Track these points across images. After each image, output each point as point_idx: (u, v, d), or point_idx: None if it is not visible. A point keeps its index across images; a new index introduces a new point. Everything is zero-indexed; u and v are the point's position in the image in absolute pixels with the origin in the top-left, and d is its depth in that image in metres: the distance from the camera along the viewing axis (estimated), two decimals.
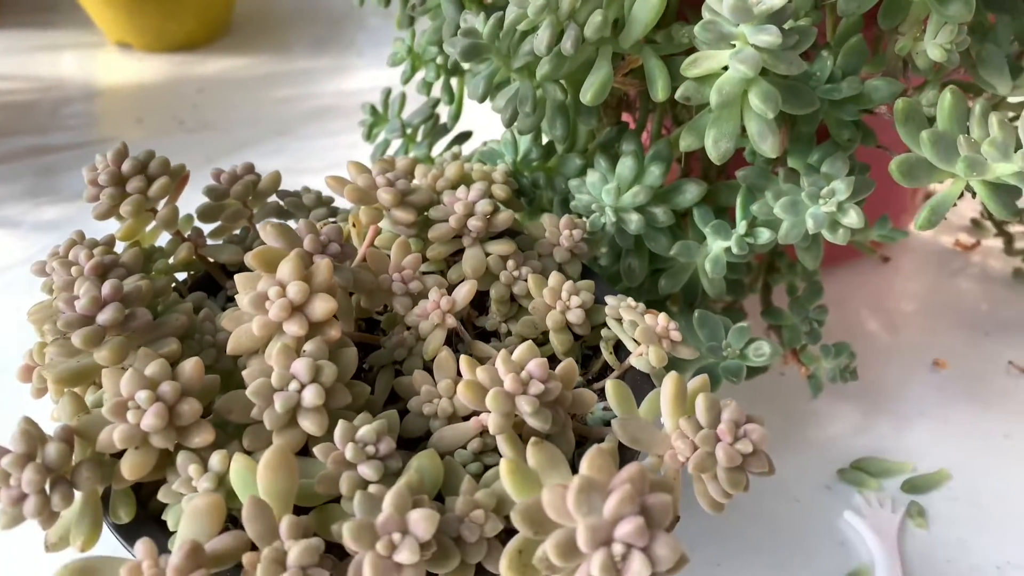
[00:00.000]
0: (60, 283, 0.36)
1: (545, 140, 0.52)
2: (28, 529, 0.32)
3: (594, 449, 0.28)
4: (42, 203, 0.77)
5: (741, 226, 0.44)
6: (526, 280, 0.42)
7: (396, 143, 0.61)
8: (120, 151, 0.42)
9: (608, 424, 0.38)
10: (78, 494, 0.31)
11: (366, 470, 0.31)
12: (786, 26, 0.36)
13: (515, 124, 0.45)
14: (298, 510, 0.30)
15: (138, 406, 0.31)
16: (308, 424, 0.32)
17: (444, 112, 0.60)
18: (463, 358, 0.35)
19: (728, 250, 0.44)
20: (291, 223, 0.42)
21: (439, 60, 0.56)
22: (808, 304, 0.52)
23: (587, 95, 0.40)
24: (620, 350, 0.41)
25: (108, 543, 0.32)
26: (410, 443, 0.36)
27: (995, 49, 0.42)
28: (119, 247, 0.42)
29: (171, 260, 0.44)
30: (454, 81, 0.58)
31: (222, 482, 0.31)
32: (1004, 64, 0.43)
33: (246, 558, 0.28)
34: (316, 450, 0.32)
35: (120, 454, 0.32)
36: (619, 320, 0.40)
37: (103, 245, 0.40)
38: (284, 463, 0.29)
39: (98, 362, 0.33)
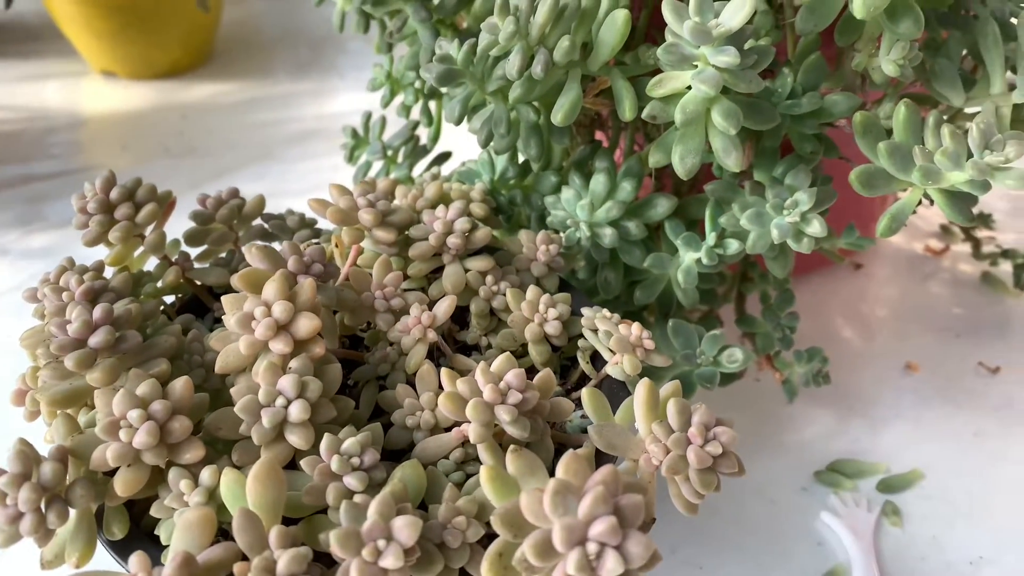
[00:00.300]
0: (52, 308, 0.38)
1: (521, 159, 0.53)
2: (24, 548, 0.33)
3: (569, 454, 0.29)
4: (31, 231, 0.78)
5: (710, 238, 0.45)
6: (505, 294, 0.43)
7: (377, 165, 0.63)
8: (108, 179, 0.44)
9: (586, 431, 0.39)
10: (72, 512, 0.32)
11: (351, 481, 0.32)
12: (746, 46, 0.38)
13: (491, 144, 0.47)
14: (286, 521, 0.31)
15: (130, 425, 0.32)
16: (295, 438, 0.33)
17: (423, 134, 0.61)
18: (444, 371, 0.36)
19: (699, 261, 0.46)
20: (275, 245, 0.44)
21: (417, 84, 0.58)
22: (780, 311, 0.54)
23: (558, 116, 0.42)
24: (597, 360, 0.43)
25: (102, 560, 0.33)
26: (394, 455, 0.37)
27: (948, 63, 0.44)
28: (108, 272, 0.43)
29: (159, 284, 0.45)
30: (432, 104, 0.59)
31: (212, 496, 0.32)
32: (957, 77, 0.44)
33: (237, 568, 0.29)
34: (303, 463, 0.33)
35: (113, 472, 0.33)
36: (595, 331, 0.42)
37: (93, 271, 0.41)
38: (272, 475, 0.31)
39: (90, 384, 0.34)
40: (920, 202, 0.43)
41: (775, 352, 0.56)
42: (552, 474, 0.34)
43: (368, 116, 0.63)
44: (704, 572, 0.49)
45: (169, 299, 0.47)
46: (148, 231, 0.44)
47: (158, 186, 0.45)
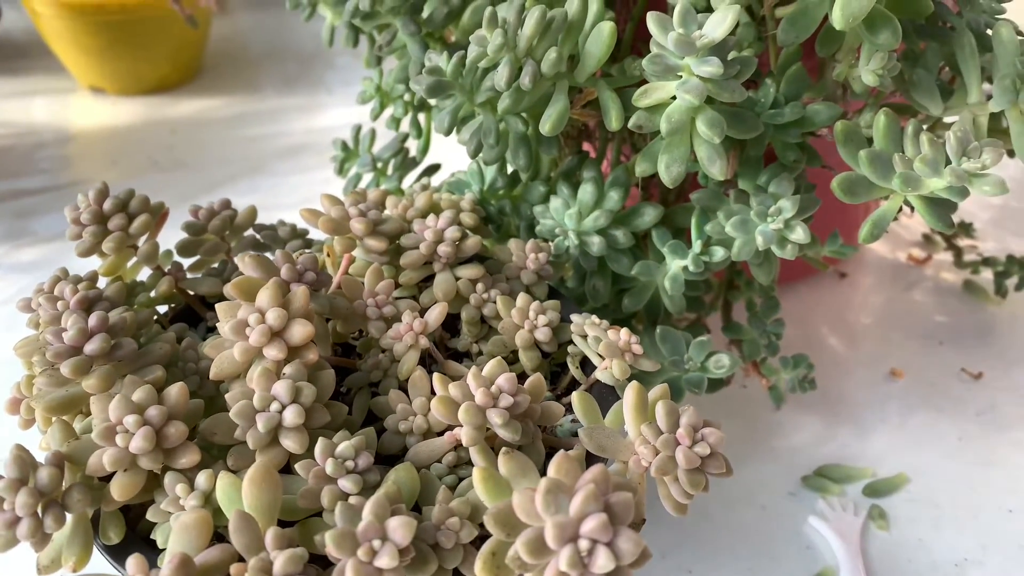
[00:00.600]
0: (47, 317, 0.38)
1: (510, 170, 0.54)
2: (20, 556, 0.33)
3: (560, 454, 0.30)
4: (20, 245, 0.78)
5: (696, 245, 0.46)
6: (495, 302, 0.44)
7: (367, 177, 0.63)
8: (101, 190, 0.44)
9: (576, 435, 0.40)
10: (69, 517, 0.33)
11: (346, 484, 0.33)
12: (729, 57, 0.39)
13: (480, 155, 0.48)
14: (282, 524, 0.32)
15: (126, 430, 0.32)
16: (289, 443, 0.34)
17: (413, 146, 0.62)
18: (436, 375, 0.37)
19: (686, 268, 0.47)
20: (268, 255, 0.44)
21: (406, 97, 0.58)
22: (766, 318, 0.55)
23: (546, 126, 0.42)
24: (586, 365, 0.44)
25: (99, 566, 0.34)
26: (387, 460, 0.38)
27: (925, 74, 0.45)
28: (102, 283, 0.43)
29: (152, 293, 0.46)
30: (421, 116, 0.60)
31: (208, 500, 0.33)
32: (935, 87, 0.46)
33: (233, 569, 0.29)
34: (298, 467, 0.33)
35: (109, 477, 0.33)
36: (584, 336, 0.42)
37: (87, 280, 0.42)
38: (268, 477, 0.31)
39: (86, 390, 0.35)
40: (901, 209, 0.44)
41: (761, 359, 0.57)
42: (543, 476, 0.34)
43: (358, 129, 0.63)
44: None
45: (162, 309, 0.47)
46: (141, 242, 0.45)
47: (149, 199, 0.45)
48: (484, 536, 0.31)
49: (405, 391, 0.40)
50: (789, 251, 0.43)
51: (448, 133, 0.47)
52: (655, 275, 0.49)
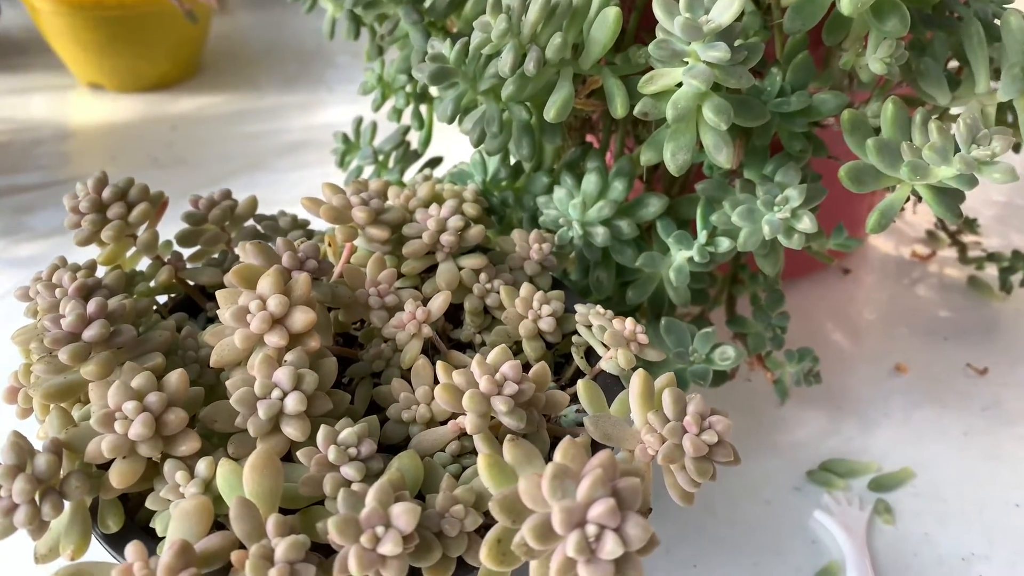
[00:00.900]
0: (45, 305, 0.37)
1: (513, 161, 0.54)
2: (19, 542, 0.33)
3: (566, 440, 0.30)
4: (18, 240, 0.78)
5: (702, 236, 0.46)
6: (498, 292, 0.44)
7: (368, 170, 0.63)
8: (100, 179, 0.44)
9: (581, 425, 0.39)
10: (67, 504, 0.32)
11: (349, 471, 0.32)
12: (735, 43, 0.38)
13: (483, 145, 0.47)
14: (283, 513, 0.31)
15: (125, 416, 0.32)
16: (291, 430, 0.33)
17: (414, 139, 0.61)
18: (440, 363, 0.36)
19: (691, 259, 0.46)
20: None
21: (408, 88, 0.58)
22: (771, 311, 0.54)
23: (551, 112, 0.42)
24: (591, 355, 0.43)
25: (97, 555, 0.33)
26: (390, 449, 0.37)
27: (933, 63, 0.45)
28: (100, 272, 0.43)
29: (152, 283, 0.45)
30: (423, 108, 0.60)
31: (208, 488, 0.32)
32: (942, 76, 0.45)
33: (234, 556, 0.29)
34: (300, 454, 0.33)
35: (107, 465, 0.33)
36: (589, 326, 0.42)
37: (86, 269, 0.41)
38: (269, 464, 0.31)
39: (85, 377, 0.34)
40: (908, 199, 0.43)
41: (766, 352, 0.56)
42: None
43: (359, 121, 0.63)
44: (699, 571, 0.49)
45: (161, 300, 0.47)
46: (140, 231, 0.44)
47: None
48: (488, 525, 0.30)
49: (408, 381, 0.39)
50: (796, 241, 0.43)
51: (451, 121, 0.46)
52: (659, 267, 0.48)
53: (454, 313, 0.46)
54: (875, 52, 0.42)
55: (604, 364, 0.41)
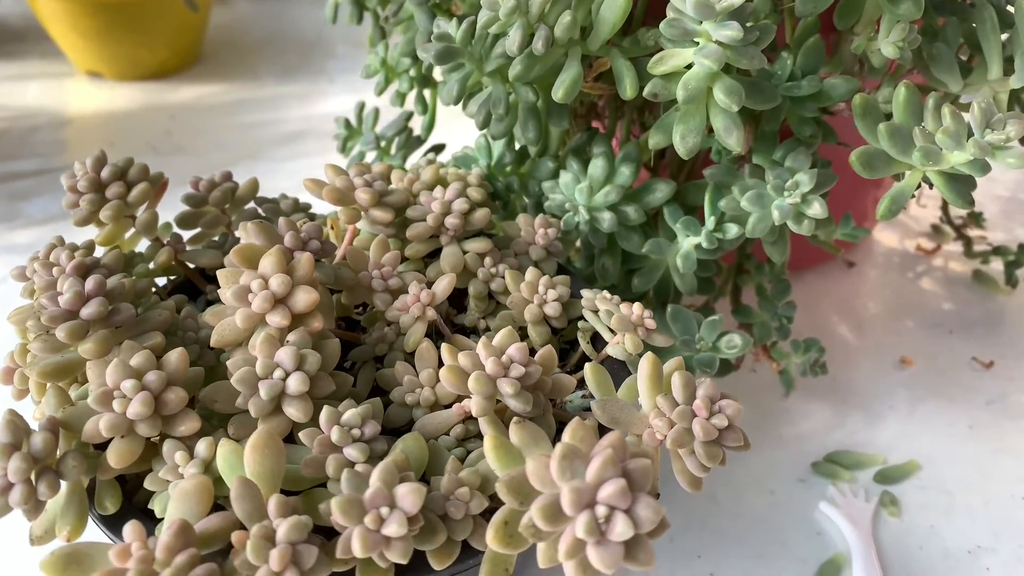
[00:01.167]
0: (42, 283, 0.37)
1: (518, 146, 0.53)
2: (15, 524, 0.32)
3: (575, 421, 0.29)
4: (14, 226, 0.77)
5: (710, 222, 0.45)
6: (503, 277, 0.43)
7: (370, 156, 0.62)
8: (99, 158, 0.43)
9: (587, 411, 0.38)
10: (64, 485, 0.31)
11: (352, 452, 0.31)
12: (747, 24, 0.38)
13: (488, 128, 0.46)
14: (284, 494, 0.30)
15: (124, 395, 0.31)
16: (293, 411, 0.33)
17: (417, 124, 0.61)
18: (445, 346, 0.36)
19: (698, 246, 0.46)
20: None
21: (412, 72, 0.57)
22: (777, 300, 0.54)
23: (559, 92, 0.41)
24: (597, 341, 0.42)
25: (94, 536, 0.32)
26: (393, 433, 0.37)
27: (945, 49, 0.44)
28: (98, 253, 0.42)
29: (151, 265, 0.44)
30: (427, 92, 0.59)
31: (208, 468, 0.32)
32: (954, 63, 0.45)
33: (235, 536, 0.28)
34: (302, 435, 0.32)
35: (105, 445, 0.32)
36: (595, 311, 0.41)
37: (83, 248, 0.40)
38: (271, 443, 0.30)
39: (83, 355, 0.33)
40: (919, 186, 0.43)
41: (772, 342, 0.56)
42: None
43: (361, 106, 0.62)
44: (703, 561, 0.49)
45: (161, 283, 0.46)
46: (140, 211, 0.44)
47: None
48: (493, 509, 0.30)
49: (411, 364, 0.38)
50: (806, 226, 0.42)
51: (456, 103, 0.46)
52: (666, 253, 0.48)
53: (458, 298, 0.45)
54: (888, 36, 0.42)
55: (610, 349, 0.40)
